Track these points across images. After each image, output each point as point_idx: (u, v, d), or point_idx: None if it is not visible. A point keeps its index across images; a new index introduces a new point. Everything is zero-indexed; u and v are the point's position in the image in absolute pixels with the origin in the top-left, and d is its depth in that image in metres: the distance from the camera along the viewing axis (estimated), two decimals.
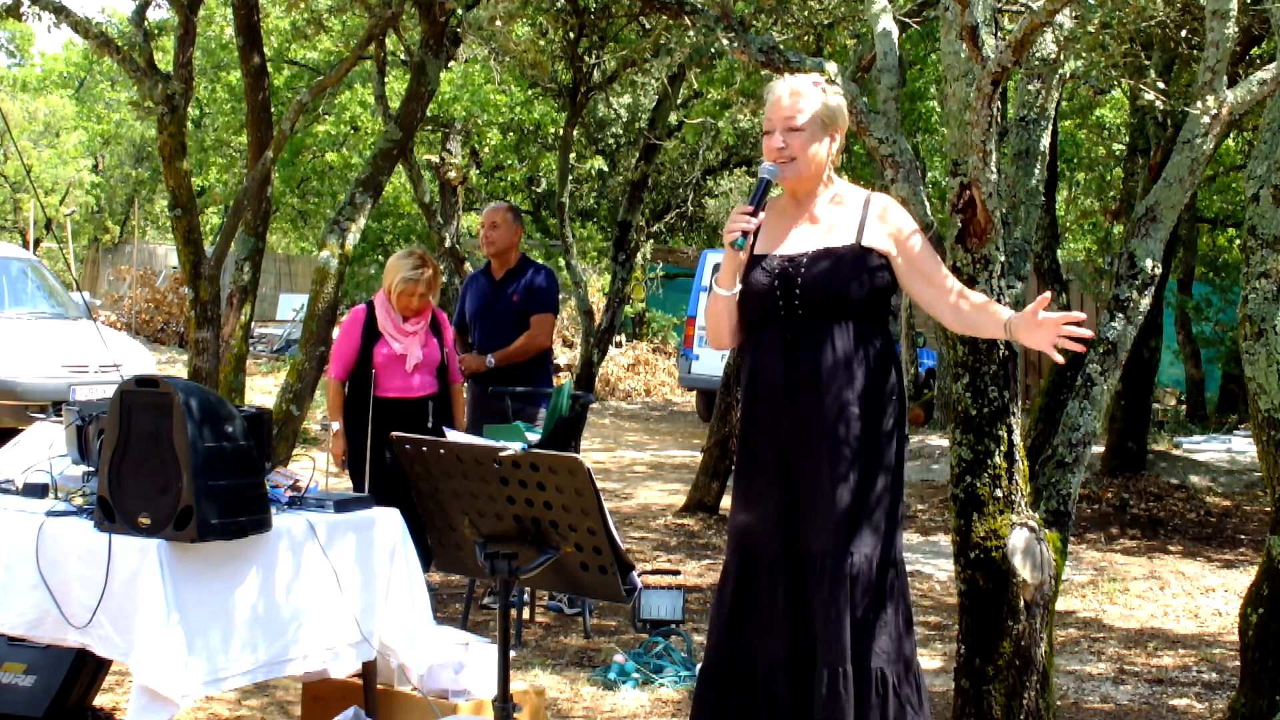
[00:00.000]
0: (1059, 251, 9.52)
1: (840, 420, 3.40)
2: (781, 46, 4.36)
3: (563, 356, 18.37)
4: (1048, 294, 3.38)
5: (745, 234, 3.42)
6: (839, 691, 3.30)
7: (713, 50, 9.58)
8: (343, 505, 3.95)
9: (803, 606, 3.40)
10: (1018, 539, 3.84)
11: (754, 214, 3.43)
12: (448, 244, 12.10)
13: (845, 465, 3.39)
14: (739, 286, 3.50)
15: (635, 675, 5.17)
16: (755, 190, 3.46)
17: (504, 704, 3.28)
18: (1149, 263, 4.06)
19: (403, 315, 5.88)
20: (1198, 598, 7.36)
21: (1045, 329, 3.30)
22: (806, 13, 7.85)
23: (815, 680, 3.34)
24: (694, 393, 17.31)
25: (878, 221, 3.48)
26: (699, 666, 3.54)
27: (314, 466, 4.78)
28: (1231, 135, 11.73)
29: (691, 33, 4.93)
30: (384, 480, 5.69)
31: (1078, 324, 3.27)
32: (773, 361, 3.47)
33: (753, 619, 3.46)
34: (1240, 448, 12.32)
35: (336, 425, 5.88)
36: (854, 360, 3.43)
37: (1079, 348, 3.29)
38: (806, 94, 3.47)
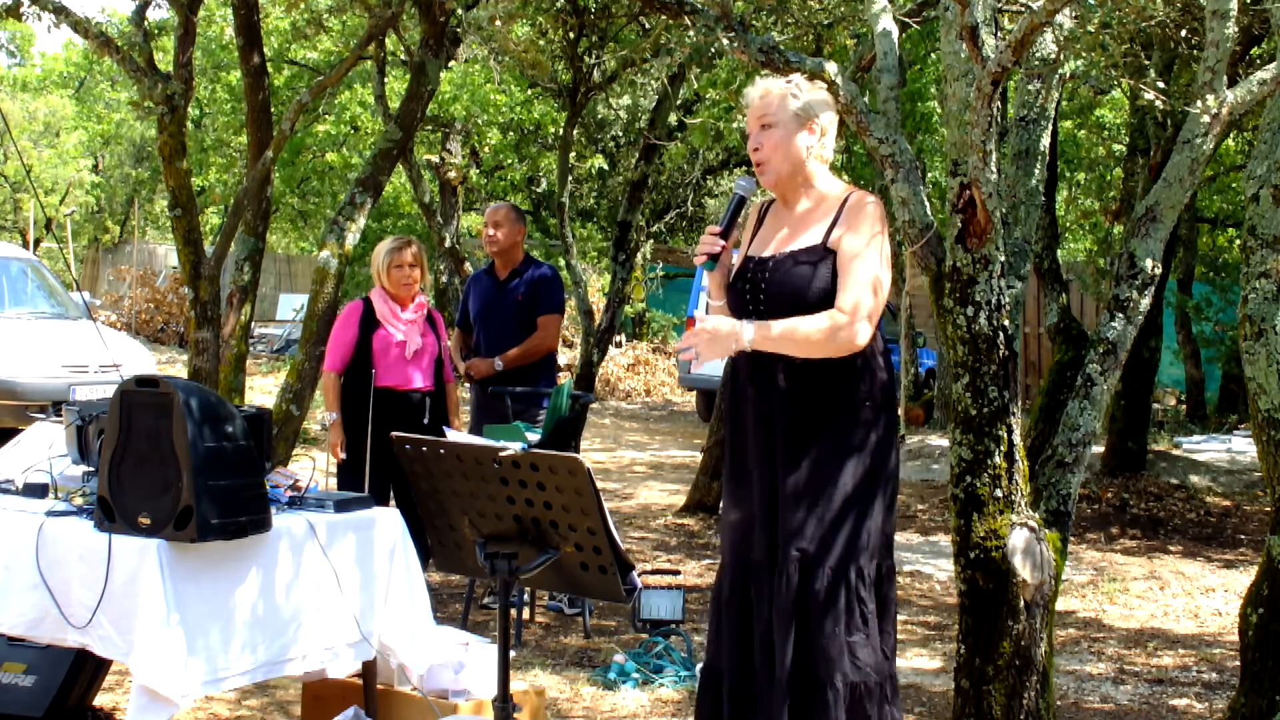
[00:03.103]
0: (1059, 251, 9.51)
1: (802, 430, 3.38)
2: (781, 46, 4.36)
3: (563, 356, 18.37)
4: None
5: (713, 257, 3.47)
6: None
7: (713, 50, 9.58)
8: (343, 505, 3.95)
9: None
10: (1018, 539, 3.84)
11: (723, 234, 3.48)
12: (448, 244, 12.10)
13: (802, 477, 3.37)
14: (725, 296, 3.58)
15: (635, 675, 5.16)
16: (727, 208, 3.50)
17: (504, 704, 3.28)
18: (1149, 263, 4.06)
19: (399, 302, 5.94)
20: (1198, 598, 7.36)
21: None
22: (806, 13, 7.85)
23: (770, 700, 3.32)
24: (694, 393, 17.31)
25: (843, 221, 3.43)
26: (699, 666, 3.57)
27: (314, 466, 4.78)
28: (1231, 135, 11.73)
29: (691, 33, 4.92)
30: (384, 472, 5.73)
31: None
32: (743, 365, 3.50)
33: (742, 623, 3.45)
34: (1240, 448, 12.30)
35: (334, 416, 5.89)
36: (816, 367, 3.39)
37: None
38: (776, 90, 3.48)
